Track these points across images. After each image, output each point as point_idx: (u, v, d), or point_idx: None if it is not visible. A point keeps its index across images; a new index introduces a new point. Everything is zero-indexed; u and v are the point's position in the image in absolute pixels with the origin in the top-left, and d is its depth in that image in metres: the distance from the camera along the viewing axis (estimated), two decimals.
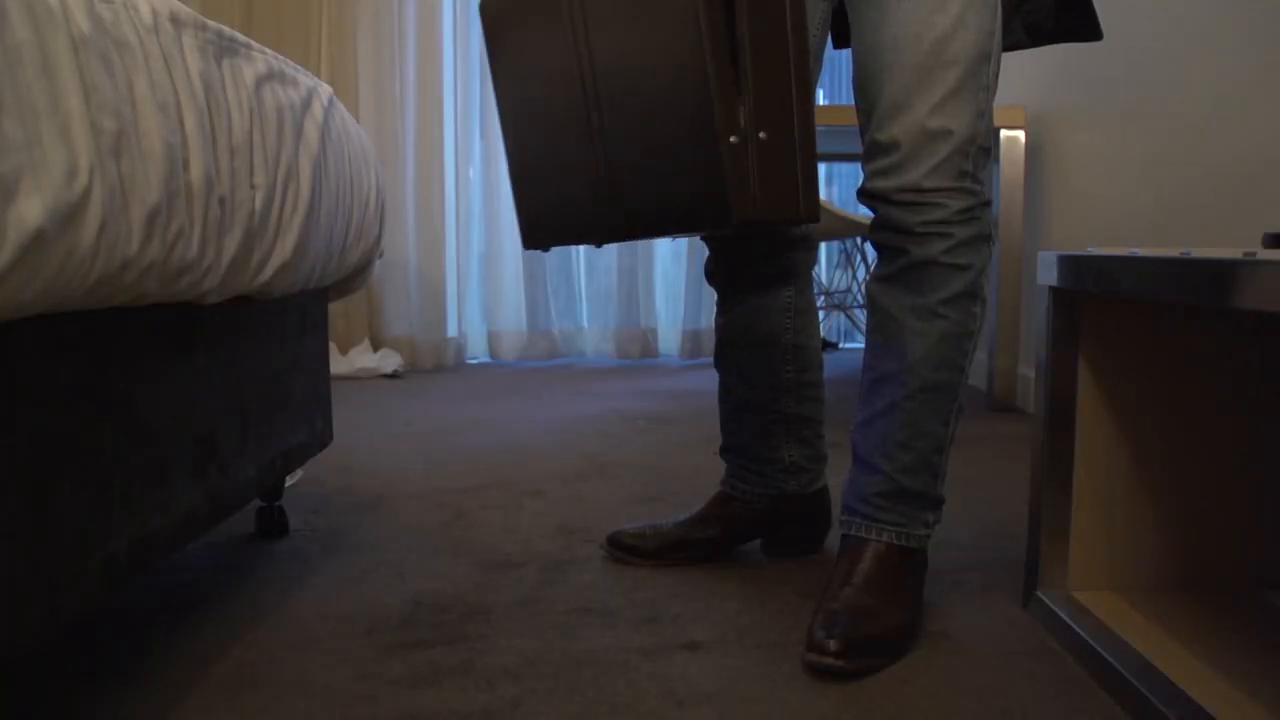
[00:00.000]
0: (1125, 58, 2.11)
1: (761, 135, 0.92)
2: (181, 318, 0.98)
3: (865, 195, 1.13)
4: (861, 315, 3.77)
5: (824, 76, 3.82)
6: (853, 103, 1.16)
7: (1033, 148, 2.63)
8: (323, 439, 1.45)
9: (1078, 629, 1.05)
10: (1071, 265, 1.07)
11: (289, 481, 1.72)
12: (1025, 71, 2.64)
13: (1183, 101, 1.89)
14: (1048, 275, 1.13)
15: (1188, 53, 1.87)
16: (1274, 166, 1.61)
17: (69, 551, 0.78)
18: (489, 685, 0.99)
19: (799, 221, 0.97)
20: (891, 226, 1.11)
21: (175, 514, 0.97)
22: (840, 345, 4.14)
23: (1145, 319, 1.12)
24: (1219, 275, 0.77)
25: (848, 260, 3.79)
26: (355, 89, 3.29)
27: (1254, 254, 0.79)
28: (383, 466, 1.93)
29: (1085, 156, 2.36)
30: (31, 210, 0.65)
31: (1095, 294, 1.09)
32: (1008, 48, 1.21)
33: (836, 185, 4.16)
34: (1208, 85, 1.81)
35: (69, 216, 0.69)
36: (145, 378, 0.91)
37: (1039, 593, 1.15)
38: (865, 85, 1.11)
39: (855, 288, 3.75)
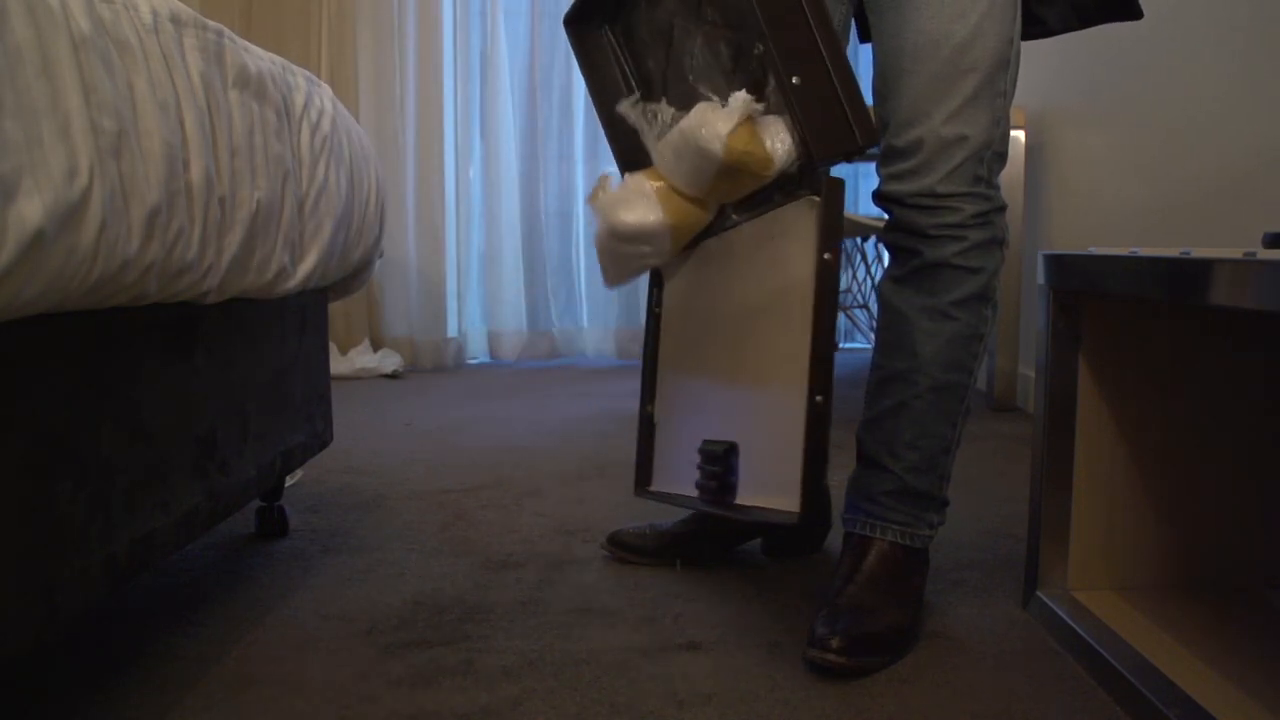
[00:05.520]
0: (1125, 58, 2.11)
1: (795, 80, 0.93)
2: (181, 318, 0.98)
3: (880, 198, 1.13)
4: (861, 315, 3.76)
5: None
6: None
7: (1033, 148, 2.63)
8: (323, 439, 1.45)
9: (1078, 629, 1.05)
10: (1071, 265, 1.07)
11: (289, 481, 1.72)
12: (1025, 71, 2.63)
13: (1183, 101, 1.89)
14: (1047, 275, 1.13)
15: (1188, 53, 1.87)
16: (1274, 166, 1.61)
17: (69, 551, 0.78)
18: (489, 685, 0.99)
19: (860, 150, 0.99)
20: (905, 228, 1.11)
21: (175, 514, 0.97)
22: (839, 345, 4.14)
23: (1145, 319, 1.12)
24: (1219, 275, 0.77)
25: (847, 260, 3.79)
26: (355, 89, 3.29)
27: (1254, 254, 0.78)
28: (383, 466, 1.93)
29: (1085, 156, 2.36)
30: (31, 210, 0.65)
31: (1095, 294, 1.09)
32: (1058, 31, 1.21)
33: None
34: (1208, 85, 1.81)
35: (69, 216, 0.69)
36: (145, 378, 0.91)
37: (1039, 593, 1.15)
38: (883, 90, 1.12)
39: (855, 287, 3.75)
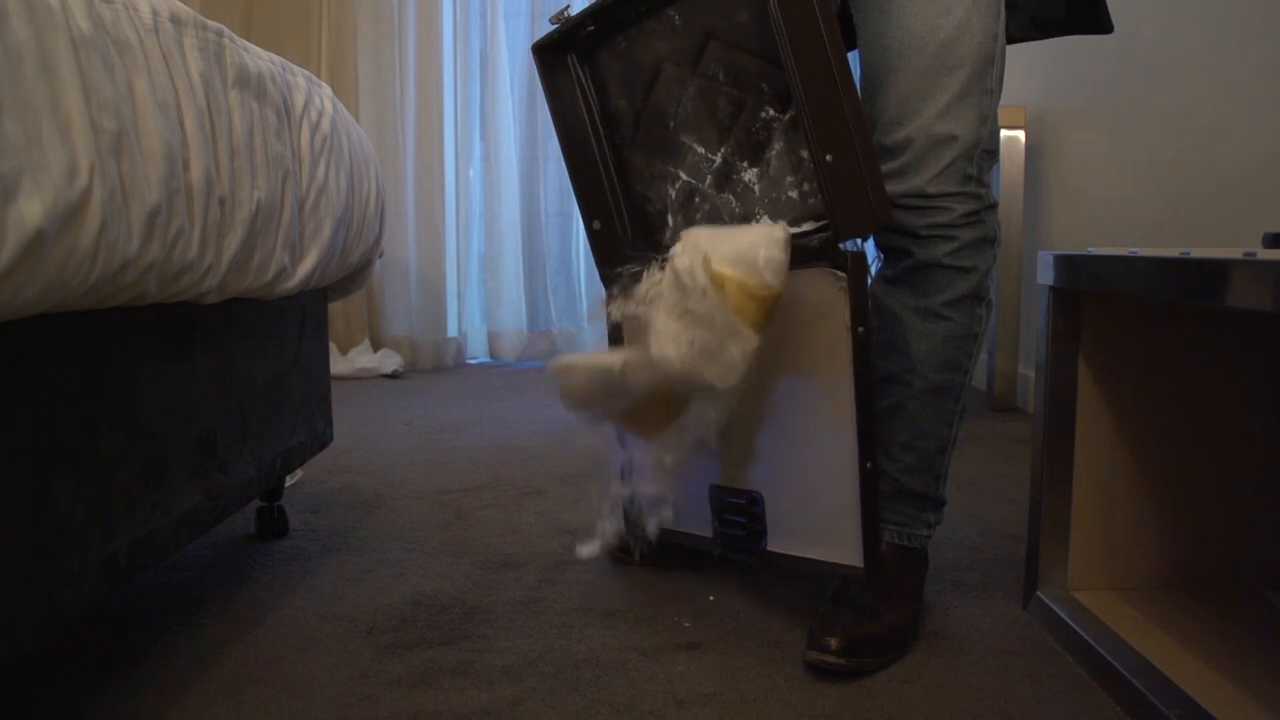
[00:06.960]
0: (1125, 58, 2.11)
1: (828, 159, 0.94)
2: (181, 318, 0.98)
3: None
4: None
5: None
6: None
7: (1033, 148, 2.63)
8: (323, 439, 1.45)
9: (1078, 629, 1.05)
10: (1071, 265, 1.07)
11: (289, 481, 1.72)
12: (1025, 71, 2.64)
13: (1183, 101, 1.89)
14: (1047, 275, 1.13)
15: (1188, 53, 1.87)
16: (1274, 166, 1.61)
17: (69, 551, 0.78)
18: (489, 685, 0.99)
19: (877, 229, 1.03)
20: (896, 229, 1.11)
21: (175, 514, 0.97)
22: None
23: (1145, 319, 1.12)
24: (1219, 275, 0.77)
25: None
26: (355, 89, 3.29)
27: (1254, 254, 0.79)
28: (383, 466, 1.93)
29: (1085, 156, 2.36)
30: (31, 210, 0.65)
31: (1095, 294, 1.09)
32: (1016, 39, 1.21)
33: None
34: (1208, 85, 1.81)
35: (69, 216, 0.69)
36: (145, 378, 0.91)
37: (1039, 593, 1.15)
38: (870, 89, 1.11)
39: None
